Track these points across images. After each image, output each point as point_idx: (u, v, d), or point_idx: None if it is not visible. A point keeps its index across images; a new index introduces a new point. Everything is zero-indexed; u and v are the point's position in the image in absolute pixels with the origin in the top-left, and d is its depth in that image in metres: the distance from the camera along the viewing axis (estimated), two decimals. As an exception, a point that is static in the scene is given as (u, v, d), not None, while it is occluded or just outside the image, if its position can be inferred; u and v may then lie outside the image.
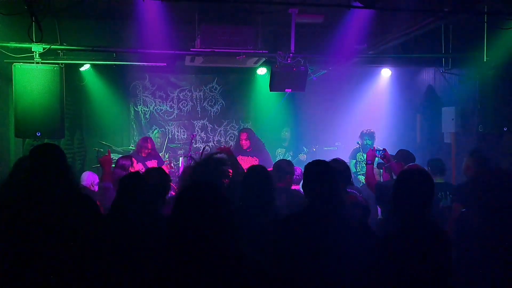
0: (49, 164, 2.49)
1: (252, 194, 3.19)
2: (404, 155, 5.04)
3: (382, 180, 5.15)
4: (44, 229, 2.37)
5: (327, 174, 2.74)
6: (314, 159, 2.94)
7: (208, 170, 3.39)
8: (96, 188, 5.20)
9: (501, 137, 6.01)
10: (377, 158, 5.13)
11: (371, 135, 7.18)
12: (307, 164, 2.89)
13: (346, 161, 5.42)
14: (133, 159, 5.42)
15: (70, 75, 6.79)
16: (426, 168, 5.12)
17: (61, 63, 5.95)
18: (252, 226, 2.95)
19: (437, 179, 5.04)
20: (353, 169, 7.12)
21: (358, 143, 7.23)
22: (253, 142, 6.63)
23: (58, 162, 2.52)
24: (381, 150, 4.95)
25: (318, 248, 2.59)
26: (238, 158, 6.26)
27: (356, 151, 7.27)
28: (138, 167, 5.59)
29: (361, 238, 2.71)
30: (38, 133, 5.19)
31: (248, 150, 6.64)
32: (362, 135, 7.22)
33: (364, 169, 6.78)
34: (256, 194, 3.18)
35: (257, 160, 6.42)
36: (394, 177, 4.79)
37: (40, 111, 5.19)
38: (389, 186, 4.31)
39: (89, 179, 5.25)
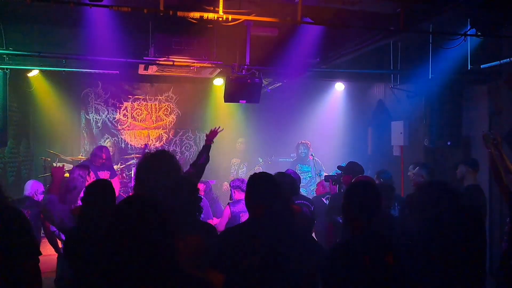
0: None
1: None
2: (352, 168, 5.16)
3: (330, 192, 5.25)
4: None
5: (268, 187, 2.74)
6: (257, 172, 2.95)
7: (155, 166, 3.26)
8: (40, 197, 4.97)
9: (445, 151, 6.30)
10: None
11: (305, 145, 7.43)
12: (250, 176, 2.88)
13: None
14: (89, 169, 5.25)
15: (17, 80, 6.53)
16: (375, 179, 5.29)
17: (7, 68, 5.72)
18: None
19: (386, 190, 5.22)
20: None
21: (293, 155, 7.50)
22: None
23: None
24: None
25: (260, 260, 2.58)
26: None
27: (294, 163, 7.46)
28: (92, 179, 5.42)
29: (304, 249, 2.73)
30: (-21, 141, 4.93)
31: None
32: (298, 146, 7.49)
33: (305, 181, 7.15)
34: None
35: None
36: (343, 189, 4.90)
37: None
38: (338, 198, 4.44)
39: (33, 188, 4.99)
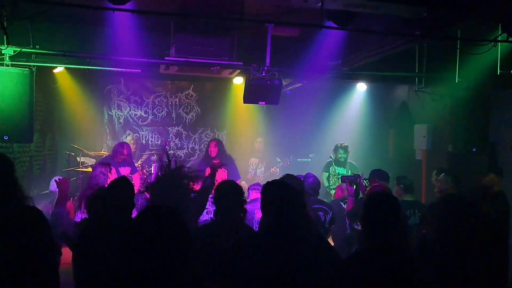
0: None
1: (223, 210, 3.19)
2: (377, 174, 5.08)
3: (347, 193, 5.17)
4: None
5: (284, 196, 2.71)
6: (272, 180, 2.93)
7: (168, 185, 3.36)
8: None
9: (470, 157, 6.13)
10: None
11: (345, 149, 7.17)
12: (265, 184, 2.86)
13: (318, 174, 5.45)
14: (110, 166, 5.33)
15: (43, 76, 6.65)
16: (395, 185, 5.18)
17: (33, 66, 5.84)
18: (223, 243, 2.93)
19: (406, 197, 5.11)
20: (325, 183, 7.12)
21: (331, 156, 7.20)
22: (221, 152, 6.59)
23: (3, 175, 2.44)
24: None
25: (277, 269, 2.56)
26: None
27: (329, 164, 7.25)
28: (114, 175, 5.50)
29: (320, 259, 2.69)
30: (6, 137, 5.02)
31: (215, 158, 6.58)
32: (337, 148, 7.22)
33: (337, 183, 6.84)
34: (226, 211, 3.18)
35: (225, 172, 6.39)
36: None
37: (8, 114, 5.02)
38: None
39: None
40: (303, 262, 2.59)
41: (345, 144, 7.19)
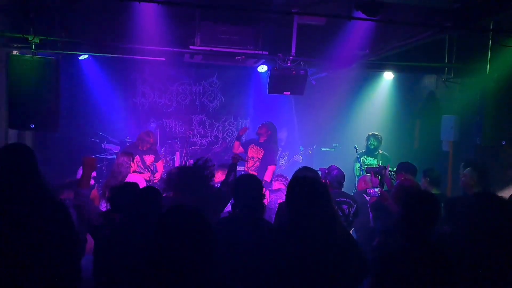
0: (15, 168, 2.38)
1: (242, 204, 3.18)
2: (405, 166, 5.00)
3: (371, 185, 5.09)
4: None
5: (311, 193, 2.69)
6: (299, 175, 2.91)
7: (192, 175, 3.38)
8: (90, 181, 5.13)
9: (499, 150, 5.97)
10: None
11: (376, 137, 6.88)
12: (291, 180, 2.85)
13: (341, 164, 5.35)
14: (133, 156, 5.39)
15: (68, 62, 6.74)
16: (422, 178, 5.09)
17: (60, 53, 5.91)
18: (243, 236, 2.93)
19: (432, 190, 5.01)
20: (356, 173, 6.99)
21: (355, 147, 7.05)
22: (271, 136, 6.50)
23: (25, 166, 2.42)
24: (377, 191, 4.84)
25: (301, 266, 2.56)
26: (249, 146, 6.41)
27: (360, 155, 6.96)
28: (135, 165, 5.57)
29: (345, 255, 2.67)
30: (32, 125, 5.10)
31: (261, 142, 6.56)
32: (368, 137, 6.93)
33: None
34: (245, 205, 3.16)
35: (262, 152, 6.38)
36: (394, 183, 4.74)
37: (34, 103, 5.06)
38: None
39: (83, 171, 5.17)
40: (328, 259, 2.58)
41: (377, 133, 6.97)
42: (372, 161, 6.90)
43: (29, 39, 5.16)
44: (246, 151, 6.53)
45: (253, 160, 6.42)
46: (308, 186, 2.72)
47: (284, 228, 2.79)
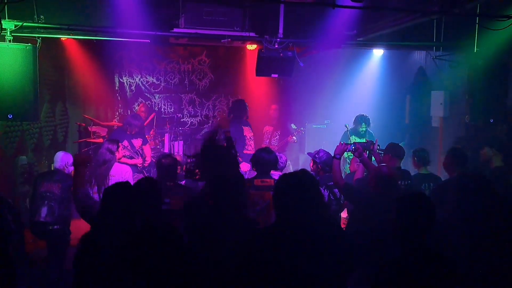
0: None
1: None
2: (393, 149, 4.97)
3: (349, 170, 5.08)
4: None
5: (299, 189, 2.65)
6: (288, 172, 2.87)
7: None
8: (70, 169, 5.05)
9: (487, 128, 5.98)
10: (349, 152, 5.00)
11: (367, 122, 6.89)
12: (280, 176, 2.80)
13: (333, 140, 5.27)
14: (119, 143, 5.32)
15: (50, 44, 6.53)
16: (412, 157, 5.10)
17: (38, 37, 5.71)
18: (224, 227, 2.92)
19: (422, 170, 5.04)
20: (345, 154, 6.96)
21: (346, 126, 7.03)
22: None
23: None
24: (351, 144, 4.77)
25: (287, 264, 2.56)
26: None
27: (346, 134, 6.94)
28: (121, 153, 5.50)
29: (332, 249, 2.66)
30: (10, 116, 4.93)
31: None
32: (358, 121, 6.90)
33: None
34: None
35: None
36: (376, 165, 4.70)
37: (11, 92, 4.83)
38: (361, 186, 4.29)
39: (62, 160, 5.06)
40: (315, 255, 2.58)
41: (366, 115, 6.95)
42: (359, 141, 6.90)
43: (3, 25, 4.94)
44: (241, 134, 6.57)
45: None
46: (296, 186, 2.67)
47: (270, 227, 2.78)
